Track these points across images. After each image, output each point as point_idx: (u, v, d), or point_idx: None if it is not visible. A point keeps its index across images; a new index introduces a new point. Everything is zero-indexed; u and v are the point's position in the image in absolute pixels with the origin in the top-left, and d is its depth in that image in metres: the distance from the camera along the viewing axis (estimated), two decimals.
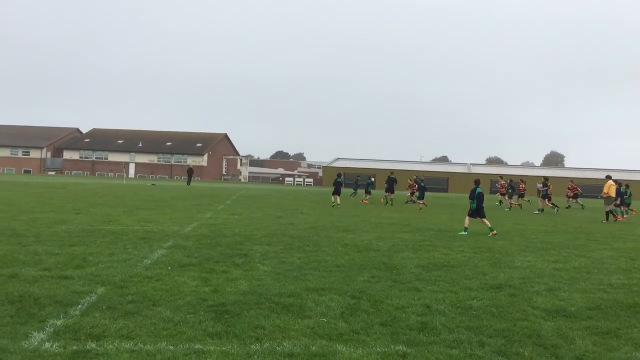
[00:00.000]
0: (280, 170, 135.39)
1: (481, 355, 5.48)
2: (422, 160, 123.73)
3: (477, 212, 17.35)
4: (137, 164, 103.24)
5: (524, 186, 35.61)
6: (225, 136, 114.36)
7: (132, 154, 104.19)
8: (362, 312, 6.99)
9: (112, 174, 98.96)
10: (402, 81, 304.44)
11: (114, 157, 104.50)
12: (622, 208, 27.93)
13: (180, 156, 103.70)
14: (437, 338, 5.99)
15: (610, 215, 25.01)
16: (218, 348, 5.45)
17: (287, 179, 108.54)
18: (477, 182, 18.11)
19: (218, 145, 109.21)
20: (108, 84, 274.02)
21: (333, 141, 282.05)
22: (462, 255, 12.17)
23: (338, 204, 28.72)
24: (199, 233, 14.52)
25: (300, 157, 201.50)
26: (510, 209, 32.87)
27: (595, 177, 73.49)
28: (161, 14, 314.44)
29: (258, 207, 26.07)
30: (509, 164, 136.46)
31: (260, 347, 5.52)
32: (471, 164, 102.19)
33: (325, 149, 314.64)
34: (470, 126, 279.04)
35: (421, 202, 30.41)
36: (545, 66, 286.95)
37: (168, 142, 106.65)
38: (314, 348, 5.51)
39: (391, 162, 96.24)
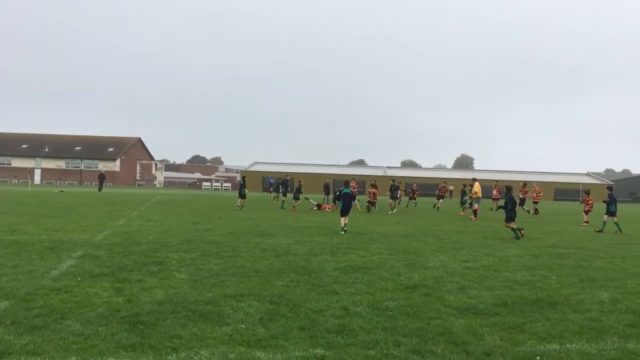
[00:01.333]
0: (198, 175, 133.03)
1: (397, 355, 5.63)
2: (340, 163, 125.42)
3: (343, 211, 18.72)
4: (43, 170, 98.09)
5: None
6: (139, 140, 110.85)
7: (38, 159, 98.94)
8: (280, 317, 6.99)
9: (16, 180, 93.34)
10: (319, 86, 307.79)
11: (17, 163, 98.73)
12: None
13: (90, 161, 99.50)
14: (354, 340, 6.09)
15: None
16: None
17: (204, 183, 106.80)
18: (345, 184, 19.67)
19: (131, 149, 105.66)
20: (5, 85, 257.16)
21: (251, 146, 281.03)
22: (379, 257, 12.44)
23: (241, 207, 30.28)
24: (112, 241, 13.97)
25: (217, 161, 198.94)
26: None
27: (505, 178, 77.11)
28: (72, 16, 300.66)
29: (174, 213, 25.46)
30: (422, 166, 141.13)
31: (177, 357, 5.39)
32: (387, 167, 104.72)
33: (243, 153, 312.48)
34: (386, 130, 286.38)
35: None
36: (456, 71, 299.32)
37: (77, 146, 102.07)
38: (232, 355, 5.45)
39: (309, 166, 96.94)
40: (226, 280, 9.33)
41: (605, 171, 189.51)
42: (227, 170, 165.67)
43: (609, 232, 21.45)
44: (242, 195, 31.28)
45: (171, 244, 13.87)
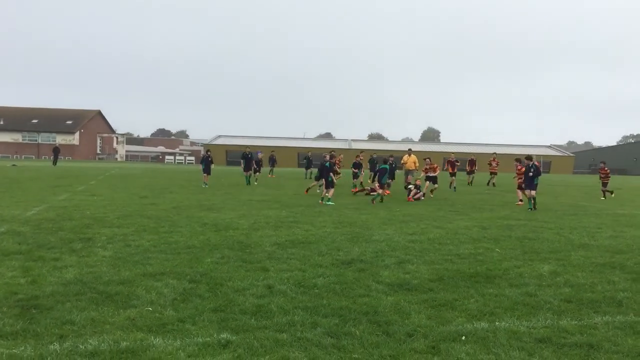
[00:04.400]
0: (161, 149, 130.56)
1: (310, 338, 5.15)
2: (306, 136, 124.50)
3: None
4: None
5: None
6: (99, 113, 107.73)
7: None
8: (196, 297, 6.45)
9: None
10: (286, 58, 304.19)
11: None
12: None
13: (48, 134, 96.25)
14: (269, 322, 5.60)
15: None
16: (7, 351, 4.67)
17: (167, 157, 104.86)
18: (385, 161, 20.83)
19: (91, 122, 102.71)
20: None
21: (217, 118, 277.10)
22: (323, 231, 11.97)
23: (206, 183, 27.33)
24: (43, 217, 13.17)
25: (182, 134, 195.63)
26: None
27: (470, 151, 77.62)
28: None
29: (124, 187, 24.55)
30: (389, 139, 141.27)
31: (60, 346, 4.80)
32: (352, 139, 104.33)
33: (209, 126, 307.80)
34: (353, 103, 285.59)
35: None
36: (421, 46, 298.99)
37: (34, 119, 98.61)
38: (124, 344, 4.89)
39: (275, 139, 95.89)
40: (152, 257, 8.73)
41: (567, 144, 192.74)
42: (192, 143, 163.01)
43: (555, 204, 21.43)
44: (208, 171, 28.01)
45: (107, 219, 13.15)
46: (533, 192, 18.55)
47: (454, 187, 28.08)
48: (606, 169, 26.07)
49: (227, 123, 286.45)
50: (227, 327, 5.44)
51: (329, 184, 19.32)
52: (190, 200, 18.89)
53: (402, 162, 26.31)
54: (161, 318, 5.67)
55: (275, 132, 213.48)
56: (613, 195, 25.60)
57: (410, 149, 27.33)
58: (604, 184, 25.71)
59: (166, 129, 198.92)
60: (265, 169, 39.47)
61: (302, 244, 10.31)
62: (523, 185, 19.40)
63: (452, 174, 29.21)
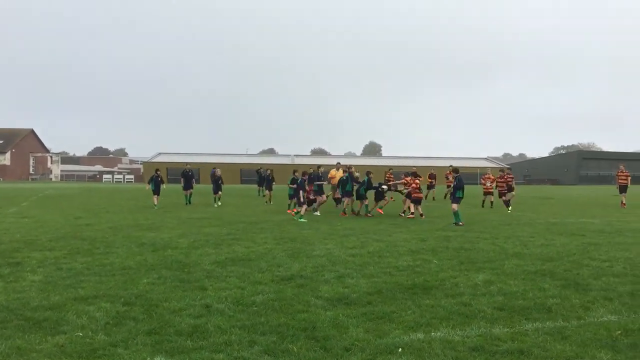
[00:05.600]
0: (98, 168, 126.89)
1: (247, 357, 5.08)
2: (249, 152, 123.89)
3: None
4: None
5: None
6: (32, 132, 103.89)
7: None
8: (130, 320, 6.25)
9: None
10: (227, 75, 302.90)
11: None
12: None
13: None
14: (205, 342, 5.49)
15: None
16: None
17: (105, 176, 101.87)
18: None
19: (23, 141, 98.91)
20: None
21: (158, 136, 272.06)
22: (264, 247, 11.90)
23: (155, 205, 24.98)
24: None
25: (121, 152, 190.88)
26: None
27: (415, 164, 79.07)
28: None
29: (58, 208, 23.70)
30: (332, 154, 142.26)
31: None
32: (295, 155, 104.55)
33: (149, 144, 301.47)
34: (296, 119, 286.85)
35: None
36: (362, 61, 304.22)
37: None
38: None
39: (217, 156, 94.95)
40: (85, 280, 8.43)
41: (503, 155, 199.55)
42: (132, 162, 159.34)
43: (492, 213, 22.12)
44: (157, 192, 25.60)
45: (39, 241, 12.64)
46: (454, 206, 17.74)
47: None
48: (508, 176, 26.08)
49: (168, 140, 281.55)
50: (161, 349, 5.30)
51: (303, 201, 19.44)
52: (127, 219, 18.41)
53: (329, 176, 24.85)
54: (92, 343, 5.46)
55: (218, 149, 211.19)
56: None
57: (339, 163, 25.78)
58: (501, 194, 25.58)
59: (104, 147, 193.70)
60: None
61: (242, 261, 10.20)
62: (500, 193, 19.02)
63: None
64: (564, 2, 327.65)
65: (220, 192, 27.29)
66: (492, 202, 26.90)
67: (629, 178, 27.79)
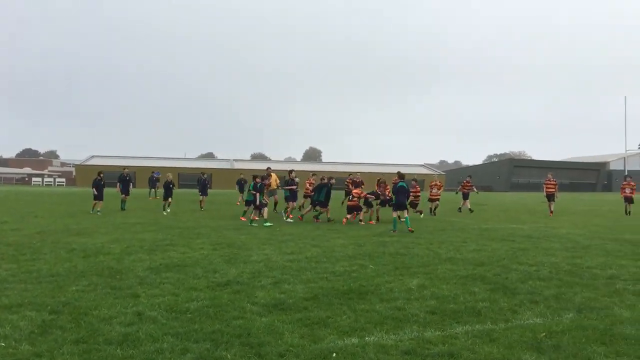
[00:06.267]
0: (27, 170, 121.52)
1: None
2: (187, 157, 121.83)
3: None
4: None
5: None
6: None
7: None
8: (57, 329, 6.01)
9: None
10: (164, 78, 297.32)
11: None
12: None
13: None
14: (136, 351, 5.34)
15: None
16: None
17: (34, 179, 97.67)
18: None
19: None
20: None
21: (91, 138, 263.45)
22: (200, 253, 11.71)
23: (99, 211, 23.53)
24: None
25: (52, 155, 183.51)
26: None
27: (353, 170, 79.83)
28: None
29: None
30: (272, 159, 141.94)
31: None
32: (234, 159, 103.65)
33: (82, 146, 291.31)
34: (235, 124, 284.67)
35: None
36: (302, 66, 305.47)
37: None
38: None
39: (154, 159, 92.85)
40: (9, 288, 8.06)
41: (439, 162, 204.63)
42: (63, 164, 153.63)
43: (427, 219, 22.63)
44: (100, 197, 23.93)
45: None
46: (394, 213, 17.55)
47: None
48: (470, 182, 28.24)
49: (102, 143, 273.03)
50: (89, 359, 5.12)
51: (262, 205, 19.41)
52: (57, 224, 17.73)
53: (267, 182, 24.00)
54: (15, 354, 5.22)
55: (154, 152, 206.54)
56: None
57: (269, 168, 25.26)
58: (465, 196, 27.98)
59: (33, 148, 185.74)
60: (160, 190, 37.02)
61: (177, 267, 10.01)
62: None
63: None
64: (496, 15, 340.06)
65: (170, 199, 25.38)
66: (436, 208, 27.12)
67: (557, 186, 29.03)
